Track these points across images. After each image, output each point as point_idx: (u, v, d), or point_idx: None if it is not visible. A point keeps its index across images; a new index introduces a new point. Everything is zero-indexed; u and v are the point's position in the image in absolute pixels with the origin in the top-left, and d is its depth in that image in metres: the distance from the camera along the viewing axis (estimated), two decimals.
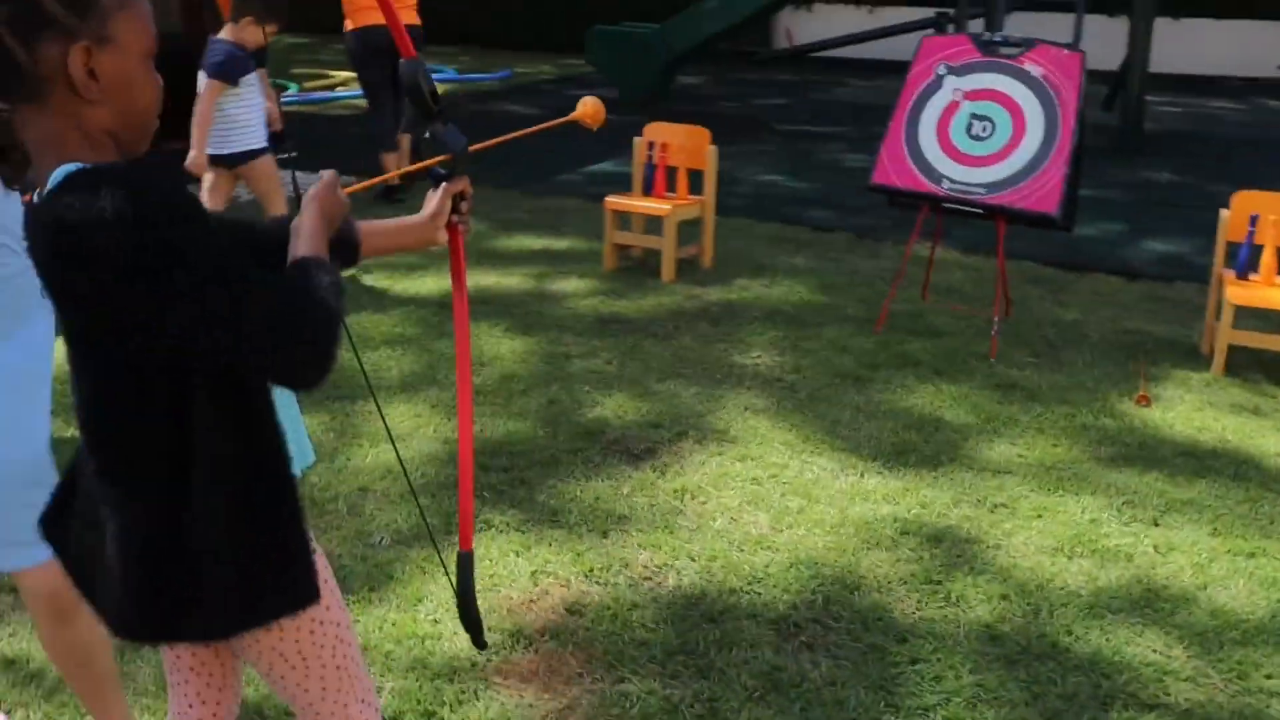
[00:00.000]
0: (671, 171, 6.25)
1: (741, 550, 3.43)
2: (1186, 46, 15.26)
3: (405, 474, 3.77)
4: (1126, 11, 9.88)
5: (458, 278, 2.06)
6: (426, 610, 3.11)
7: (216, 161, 5.51)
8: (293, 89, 12.80)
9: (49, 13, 1.42)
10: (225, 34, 5.58)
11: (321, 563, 1.75)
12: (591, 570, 3.31)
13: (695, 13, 11.92)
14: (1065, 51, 5.34)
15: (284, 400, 1.64)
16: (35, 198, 1.49)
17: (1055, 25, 10.85)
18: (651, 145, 6.28)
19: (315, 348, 1.47)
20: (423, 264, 6.12)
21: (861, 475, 3.91)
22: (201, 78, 5.48)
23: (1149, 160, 9.37)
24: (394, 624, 3.05)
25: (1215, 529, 3.58)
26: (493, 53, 17.31)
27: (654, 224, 6.15)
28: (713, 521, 3.59)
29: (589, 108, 2.61)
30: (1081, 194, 8.03)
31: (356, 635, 1.87)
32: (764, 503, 3.71)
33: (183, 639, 1.68)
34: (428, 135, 1.95)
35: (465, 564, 2.00)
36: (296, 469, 1.66)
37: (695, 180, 6.23)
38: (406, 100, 1.95)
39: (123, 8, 1.47)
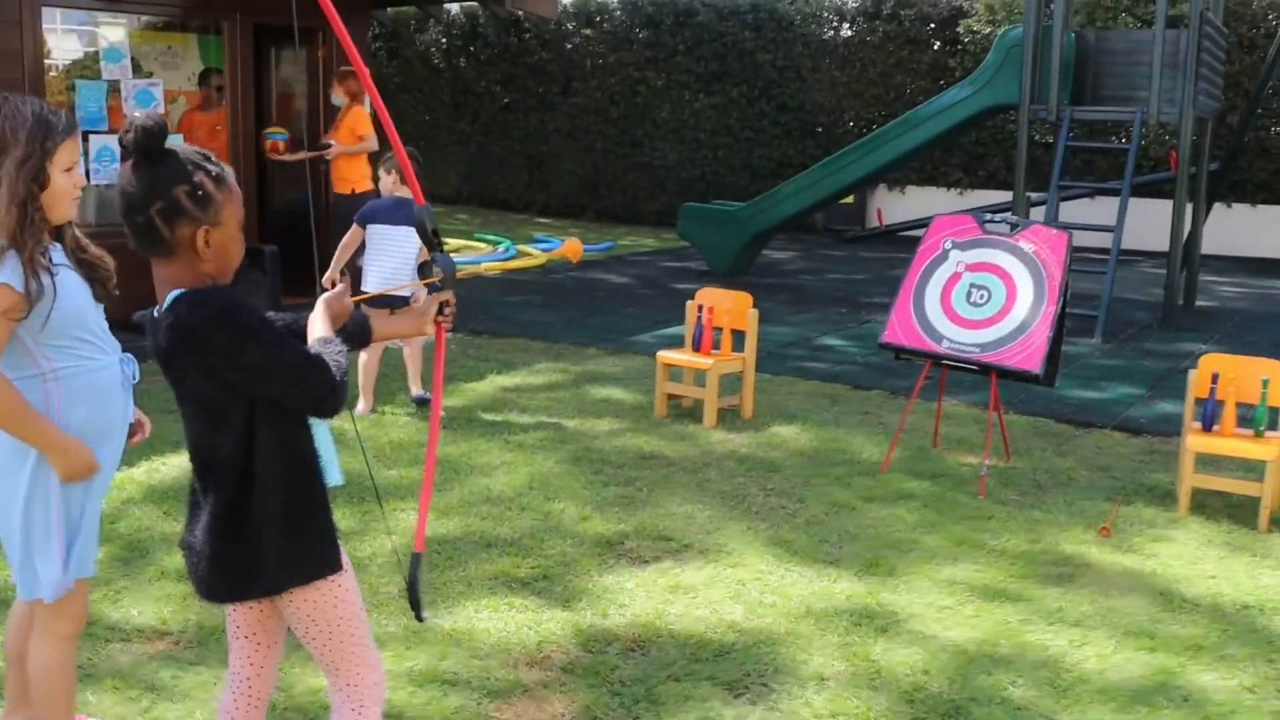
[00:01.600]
0: (719, 331, 7.09)
1: (715, 633, 4.12)
2: (1259, 231, 15.87)
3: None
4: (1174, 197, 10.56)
5: (438, 359, 2.90)
6: (448, 664, 3.85)
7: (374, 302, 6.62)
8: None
9: (186, 208, 2.34)
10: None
11: (346, 564, 2.56)
12: (587, 641, 4.03)
13: (776, 194, 12.92)
14: (1055, 231, 6.09)
15: (320, 431, 2.49)
16: (155, 312, 2.40)
17: (1108, 209, 11.52)
18: (701, 308, 7.14)
19: (328, 390, 2.35)
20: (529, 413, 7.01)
21: (834, 581, 4.58)
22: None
23: (1190, 334, 9.95)
24: (422, 671, 3.80)
25: (1128, 630, 4.16)
26: (601, 225, 18.63)
27: (701, 377, 6.97)
28: (697, 611, 4.29)
29: (571, 245, 3.41)
30: (1111, 362, 8.70)
31: (368, 620, 2.65)
32: (743, 599, 4.40)
33: (250, 597, 2.52)
34: (430, 260, 2.80)
35: (416, 560, 2.77)
36: (328, 482, 2.51)
37: (740, 339, 7.06)
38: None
39: (228, 201, 2.40)
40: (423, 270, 2.84)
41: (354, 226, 6.98)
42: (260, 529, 2.40)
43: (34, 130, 2.77)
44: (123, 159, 2.38)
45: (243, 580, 2.45)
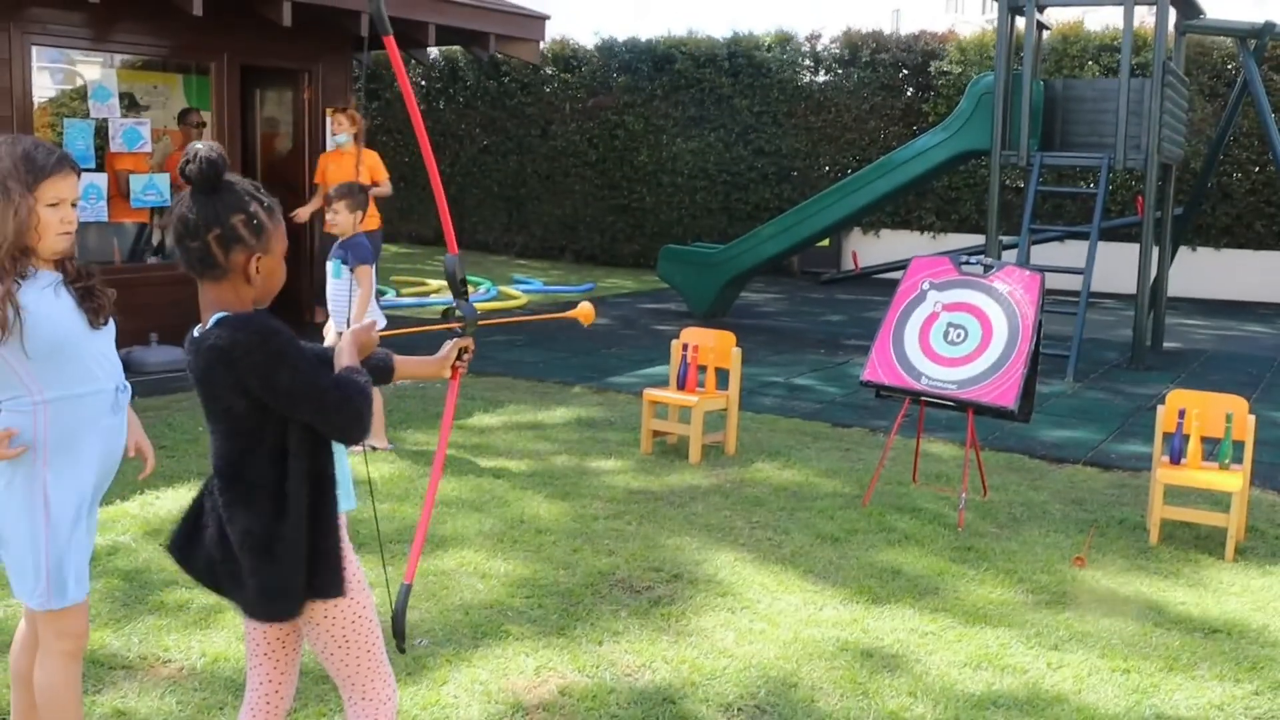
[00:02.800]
0: (703, 369, 7.27)
1: (707, 657, 4.27)
2: (1223, 274, 16.25)
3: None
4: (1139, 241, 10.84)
5: (450, 403, 3.05)
6: (448, 690, 3.98)
7: None
8: (390, 293, 14.21)
9: (242, 235, 2.51)
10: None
11: (365, 583, 2.71)
12: (584, 667, 4.17)
13: (755, 237, 13.15)
14: (1028, 273, 6.31)
15: (338, 458, 2.64)
16: (197, 331, 2.56)
17: (1078, 252, 11.79)
18: (686, 347, 7.33)
19: (355, 416, 2.50)
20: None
21: (820, 609, 4.74)
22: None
23: (1158, 374, 10.21)
24: (423, 697, 3.92)
25: (1103, 653, 4.34)
26: (580, 266, 18.86)
27: (686, 414, 7.14)
28: (689, 637, 4.44)
29: (584, 309, 3.50)
30: (1083, 401, 8.91)
31: (383, 639, 2.79)
32: (734, 626, 4.55)
33: (277, 618, 2.63)
34: (454, 306, 2.96)
35: (404, 592, 2.90)
36: (342, 507, 2.65)
37: (723, 377, 7.24)
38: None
39: (277, 230, 2.57)
40: (446, 316, 2.99)
41: (367, 267, 6.80)
42: (288, 547, 2.53)
43: (18, 166, 2.93)
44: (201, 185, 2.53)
45: (279, 598, 2.57)
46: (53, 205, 2.98)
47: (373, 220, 9.76)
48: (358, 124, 9.77)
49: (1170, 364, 10.85)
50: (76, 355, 3.03)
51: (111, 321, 3.17)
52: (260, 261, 2.55)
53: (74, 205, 3.06)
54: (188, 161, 2.48)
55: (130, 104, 9.75)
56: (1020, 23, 10.94)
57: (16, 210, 2.93)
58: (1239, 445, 5.75)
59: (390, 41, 2.86)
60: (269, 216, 2.56)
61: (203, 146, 2.49)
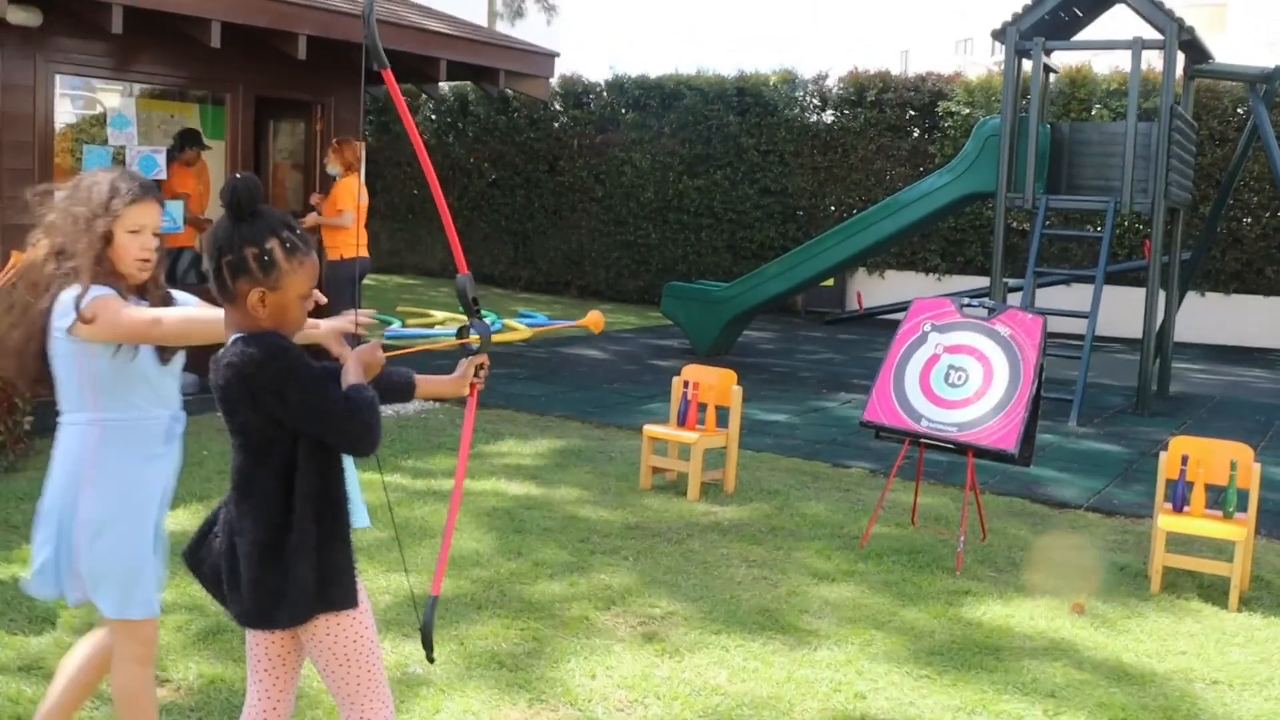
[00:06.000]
0: (703, 407, 7.25)
1: (699, 694, 4.23)
2: (1232, 319, 16.24)
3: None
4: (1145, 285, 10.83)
5: (468, 419, 3.11)
6: (441, 717, 3.96)
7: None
8: (396, 323, 14.24)
9: (250, 268, 2.57)
10: None
11: (366, 601, 2.73)
12: (576, 700, 4.14)
13: (760, 275, 13.16)
14: (1029, 315, 6.30)
15: (348, 474, 2.67)
16: (220, 351, 2.64)
17: (1085, 295, 11.77)
18: (687, 384, 7.31)
19: (364, 430, 2.56)
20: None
21: (814, 649, 4.70)
22: None
23: (1163, 420, 10.17)
24: None
25: (1101, 701, 4.30)
26: (584, 301, 18.88)
27: (685, 451, 7.12)
28: (682, 673, 4.40)
29: (593, 317, 3.63)
30: (1086, 446, 8.88)
31: (382, 661, 2.79)
32: (727, 663, 4.52)
33: (278, 625, 2.66)
34: (467, 325, 2.98)
35: (432, 604, 2.92)
36: (356, 525, 2.68)
37: (724, 415, 7.22)
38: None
39: (293, 271, 2.61)
40: (461, 334, 3.04)
41: None
42: (294, 559, 2.58)
43: (106, 193, 3.11)
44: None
45: (274, 607, 2.61)
46: (133, 232, 3.11)
47: (350, 249, 9.89)
48: (344, 158, 10.01)
49: (1176, 409, 10.81)
50: (143, 382, 3.16)
51: (180, 352, 3.28)
52: (266, 297, 2.60)
53: (155, 234, 3.19)
54: (223, 189, 2.59)
55: (151, 133, 9.87)
56: (1027, 65, 10.98)
57: (97, 230, 3.06)
58: (1244, 493, 5.69)
59: (388, 75, 2.89)
60: (288, 255, 2.61)
61: (238, 175, 2.58)
